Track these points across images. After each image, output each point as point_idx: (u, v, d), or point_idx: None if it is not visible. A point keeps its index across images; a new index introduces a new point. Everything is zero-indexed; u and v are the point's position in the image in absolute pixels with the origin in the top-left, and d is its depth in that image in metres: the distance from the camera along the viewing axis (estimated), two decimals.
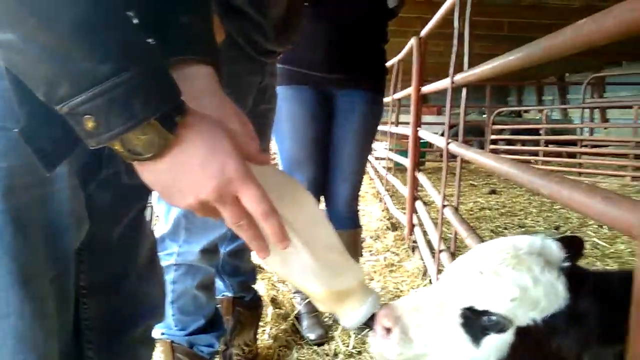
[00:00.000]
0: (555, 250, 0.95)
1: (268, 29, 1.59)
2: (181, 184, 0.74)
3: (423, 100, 4.67)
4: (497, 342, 0.89)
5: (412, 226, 4.30)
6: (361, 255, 3.28)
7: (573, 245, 0.99)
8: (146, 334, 1.14)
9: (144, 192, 1.07)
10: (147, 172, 0.73)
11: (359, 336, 2.63)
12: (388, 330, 0.94)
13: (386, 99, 7.22)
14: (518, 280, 0.89)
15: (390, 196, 5.97)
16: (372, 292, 0.98)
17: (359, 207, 2.94)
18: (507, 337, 0.89)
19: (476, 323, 0.91)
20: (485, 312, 0.90)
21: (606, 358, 0.84)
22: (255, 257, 3.33)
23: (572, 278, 0.91)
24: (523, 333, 0.89)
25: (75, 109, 0.62)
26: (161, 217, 1.70)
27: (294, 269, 0.91)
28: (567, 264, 0.93)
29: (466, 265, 0.97)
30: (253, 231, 0.79)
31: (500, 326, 0.89)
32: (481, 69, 2.16)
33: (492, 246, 0.98)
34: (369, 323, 0.96)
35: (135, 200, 1.04)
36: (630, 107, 9.69)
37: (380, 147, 8.24)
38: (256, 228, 0.79)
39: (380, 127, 8.83)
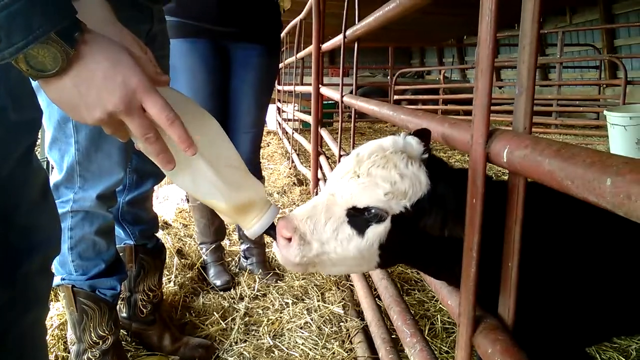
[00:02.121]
0: (415, 144, 1.14)
1: None
2: (88, 99, 0.80)
3: (331, 62, 4.79)
4: (378, 230, 1.08)
5: (317, 180, 4.47)
6: None
7: (424, 135, 1.19)
8: (43, 266, 1.18)
9: (32, 128, 1.10)
10: (53, 90, 0.80)
11: (264, 280, 2.76)
12: (289, 239, 1.10)
13: (290, 59, 7.32)
14: (388, 177, 1.08)
15: (298, 155, 6.11)
16: (270, 204, 1.13)
17: (267, 165, 3.02)
18: (386, 225, 1.09)
19: (359, 219, 1.10)
20: (365, 209, 1.09)
21: (459, 233, 1.02)
22: (159, 210, 3.33)
23: (431, 167, 1.11)
24: (397, 219, 1.09)
25: None
26: (55, 165, 1.70)
27: (200, 186, 1.03)
28: (425, 155, 1.13)
29: (344, 170, 1.14)
30: (160, 144, 0.88)
31: (378, 217, 1.08)
32: (366, 21, 2.32)
33: (364, 149, 1.16)
34: (270, 233, 1.11)
35: (23, 136, 1.07)
36: None
37: (289, 109, 8.33)
38: (163, 142, 0.88)
39: (286, 87, 8.88)
